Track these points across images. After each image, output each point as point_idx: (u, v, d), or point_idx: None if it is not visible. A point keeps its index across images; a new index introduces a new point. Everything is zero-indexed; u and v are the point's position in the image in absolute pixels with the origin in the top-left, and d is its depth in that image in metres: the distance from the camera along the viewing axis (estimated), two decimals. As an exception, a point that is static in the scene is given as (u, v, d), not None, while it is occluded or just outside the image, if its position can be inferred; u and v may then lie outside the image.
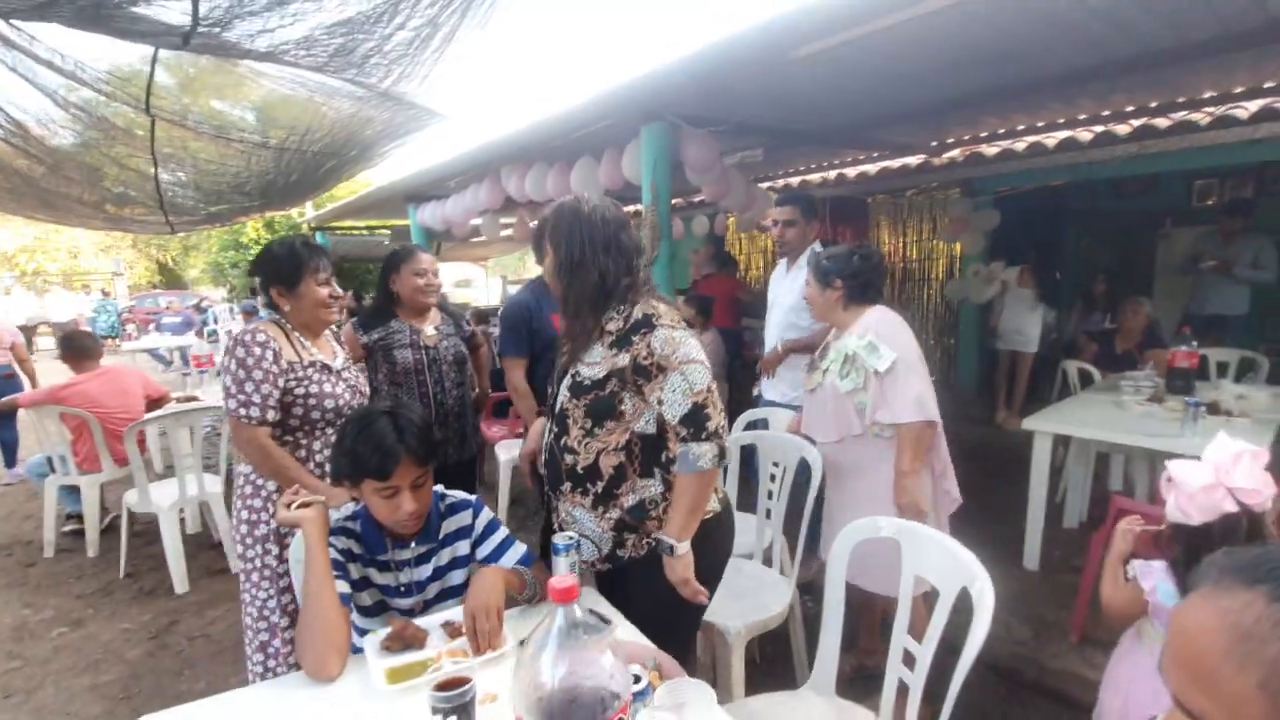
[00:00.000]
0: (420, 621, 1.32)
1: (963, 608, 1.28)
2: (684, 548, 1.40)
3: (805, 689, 1.57)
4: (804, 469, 2.10)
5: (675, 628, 1.46)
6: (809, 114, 3.54)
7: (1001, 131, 4.55)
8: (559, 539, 1.34)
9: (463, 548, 1.50)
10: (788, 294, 2.89)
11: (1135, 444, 2.75)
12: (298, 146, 3.71)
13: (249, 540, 1.81)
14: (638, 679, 1.03)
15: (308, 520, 1.32)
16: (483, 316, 6.02)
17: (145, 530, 3.75)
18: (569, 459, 1.49)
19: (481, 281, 18.54)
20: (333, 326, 2.00)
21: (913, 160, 5.16)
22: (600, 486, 1.47)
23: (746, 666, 1.90)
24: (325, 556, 1.29)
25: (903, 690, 1.38)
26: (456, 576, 1.50)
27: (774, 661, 2.40)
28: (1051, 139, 4.40)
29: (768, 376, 3.01)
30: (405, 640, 1.25)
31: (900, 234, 6.42)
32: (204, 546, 3.68)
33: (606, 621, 1.28)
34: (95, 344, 3.86)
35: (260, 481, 1.81)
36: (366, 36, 2.41)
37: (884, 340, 1.99)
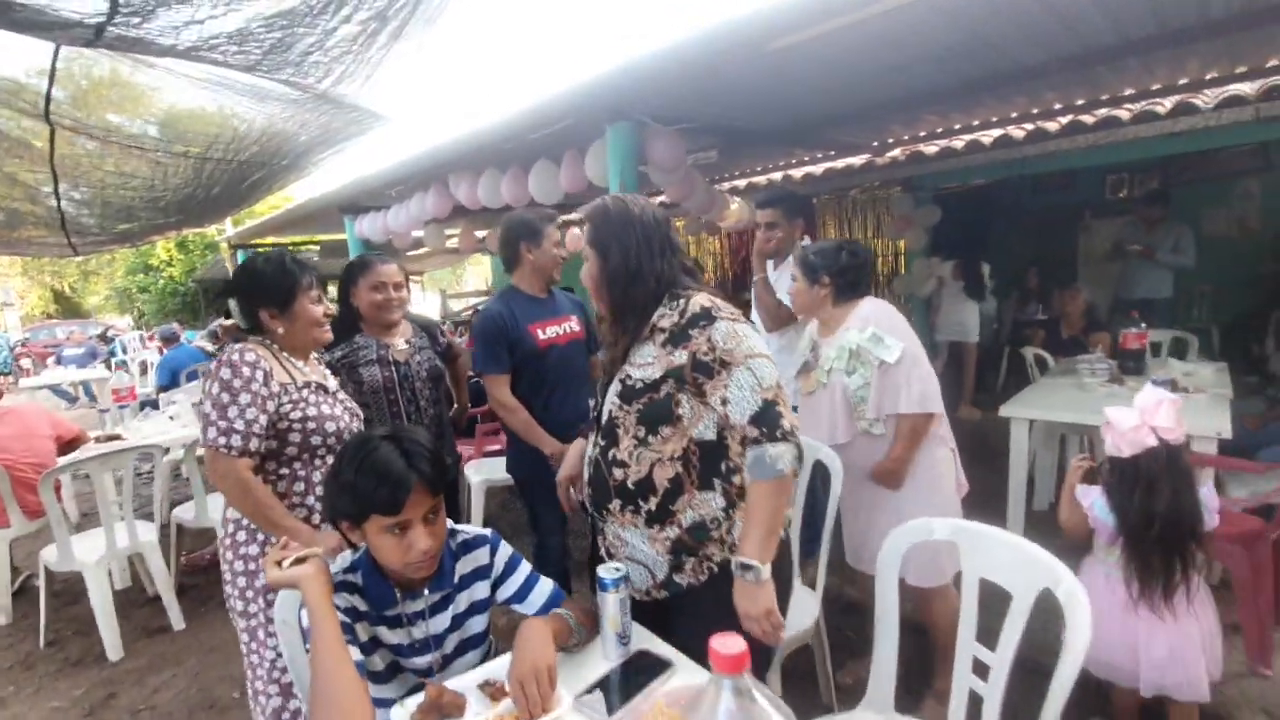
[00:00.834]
0: (452, 684, 1.14)
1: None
2: (766, 572, 1.22)
3: (862, 708, 1.49)
4: (814, 473, 2.02)
5: None
6: (776, 111, 3.52)
7: (940, 130, 4.70)
8: (605, 572, 1.21)
9: (481, 590, 1.33)
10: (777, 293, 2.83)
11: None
12: (222, 156, 3.42)
13: (249, 594, 1.60)
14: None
15: (307, 580, 1.13)
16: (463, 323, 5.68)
17: (65, 589, 3.34)
18: (618, 473, 1.34)
19: (418, 296, 17.92)
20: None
21: (857, 160, 5.27)
22: (654, 502, 1.32)
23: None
24: (334, 622, 1.11)
25: (974, 700, 1.30)
26: (476, 624, 1.33)
27: (792, 678, 2.29)
28: (987, 136, 4.58)
29: None
30: (442, 710, 1.07)
31: (846, 232, 6.55)
32: (136, 604, 3.28)
33: (667, 663, 1.16)
34: (-9, 384, 3.42)
35: (255, 526, 1.61)
36: (308, 30, 2.23)
37: (886, 331, 1.97)
